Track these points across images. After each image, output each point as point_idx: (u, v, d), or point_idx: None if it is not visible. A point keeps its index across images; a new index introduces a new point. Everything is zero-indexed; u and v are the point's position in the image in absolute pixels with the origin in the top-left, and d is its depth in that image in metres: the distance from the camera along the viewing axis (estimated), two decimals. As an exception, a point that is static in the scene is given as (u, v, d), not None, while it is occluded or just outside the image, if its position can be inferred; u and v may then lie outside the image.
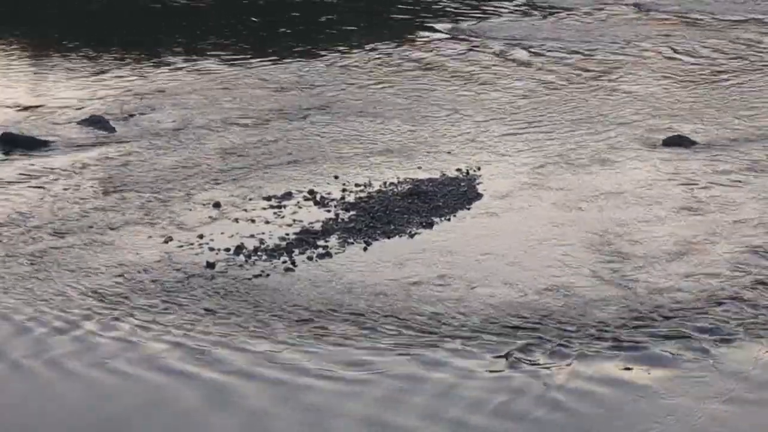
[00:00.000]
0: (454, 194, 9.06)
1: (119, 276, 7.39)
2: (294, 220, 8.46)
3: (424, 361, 6.27)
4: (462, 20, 17.78)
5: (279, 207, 8.78)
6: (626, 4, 19.15)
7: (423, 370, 6.17)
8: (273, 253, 7.78)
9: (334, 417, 5.76)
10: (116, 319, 6.78)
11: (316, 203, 8.86)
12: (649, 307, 6.91)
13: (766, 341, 6.53)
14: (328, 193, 9.06)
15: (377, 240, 8.07)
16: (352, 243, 8.00)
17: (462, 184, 9.35)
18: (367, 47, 15.49)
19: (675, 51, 15.28)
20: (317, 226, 8.29)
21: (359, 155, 10.26)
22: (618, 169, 9.89)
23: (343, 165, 9.92)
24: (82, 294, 7.12)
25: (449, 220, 8.58)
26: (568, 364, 6.21)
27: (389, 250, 7.89)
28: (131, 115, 11.66)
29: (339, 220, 8.46)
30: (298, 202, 8.88)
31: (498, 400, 5.87)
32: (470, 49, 15.41)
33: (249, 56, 14.88)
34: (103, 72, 14.00)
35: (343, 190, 9.14)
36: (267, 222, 8.44)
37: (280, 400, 5.91)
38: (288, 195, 9.04)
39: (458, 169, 9.76)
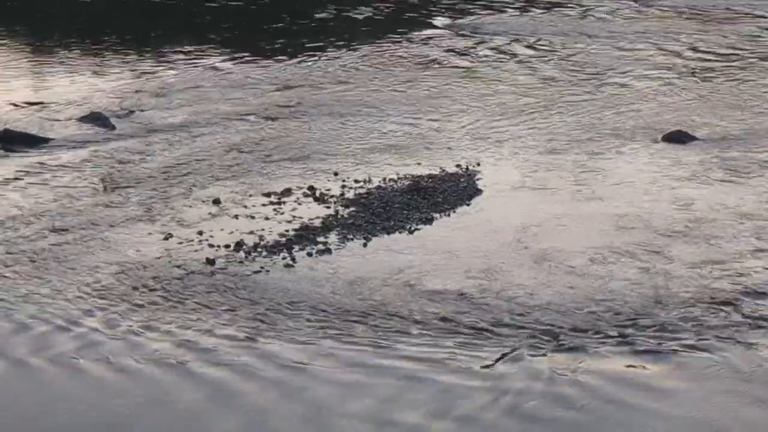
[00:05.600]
0: (454, 190, 9.06)
1: (119, 273, 7.40)
2: (294, 217, 8.46)
3: (425, 358, 6.27)
4: (461, 16, 17.77)
5: (279, 203, 8.78)
6: (626, -1, 19.13)
7: (423, 367, 6.17)
8: (273, 249, 7.78)
9: (336, 414, 5.76)
10: (117, 316, 6.78)
11: (316, 199, 8.86)
12: (651, 302, 6.91)
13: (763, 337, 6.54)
14: (328, 190, 9.06)
15: (377, 236, 8.08)
16: (352, 239, 8.01)
17: (461, 179, 9.35)
18: (367, 44, 15.48)
19: (675, 46, 15.28)
20: (317, 223, 8.30)
21: (359, 151, 10.26)
22: (618, 164, 9.89)
23: (342, 161, 9.92)
24: (83, 291, 7.13)
25: (449, 215, 8.58)
26: (570, 361, 6.22)
27: (389, 247, 7.89)
28: (131, 112, 11.66)
29: (339, 216, 8.46)
30: (298, 199, 8.89)
31: (499, 397, 5.87)
32: (470, 45, 15.41)
33: (248, 53, 14.88)
34: (102, 69, 14.00)
35: (343, 187, 9.14)
36: (267, 218, 8.45)
37: (282, 397, 5.91)
38: (288, 191, 9.05)
39: (458, 165, 9.76)
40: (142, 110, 11.75)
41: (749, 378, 6.07)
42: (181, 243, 7.92)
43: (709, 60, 14.40)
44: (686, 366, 6.18)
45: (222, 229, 8.19)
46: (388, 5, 18.94)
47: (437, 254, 7.73)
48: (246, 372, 6.14)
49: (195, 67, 14.02)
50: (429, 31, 16.54)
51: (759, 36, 16.02)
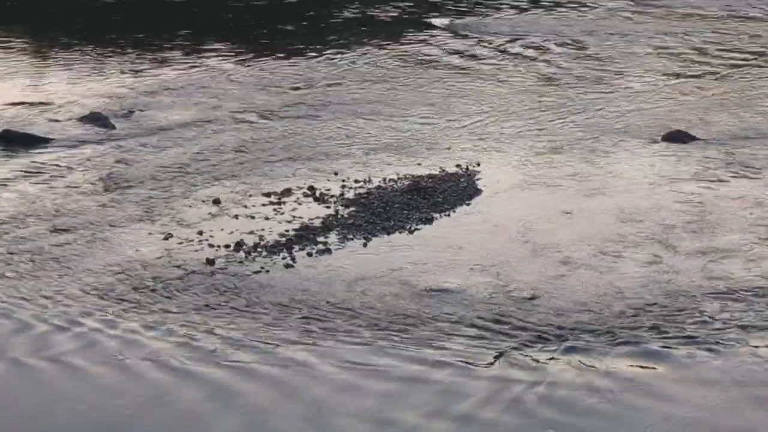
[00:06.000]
0: (454, 190, 9.06)
1: (119, 273, 7.40)
2: (294, 217, 8.46)
3: (425, 358, 6.27)
4: (461, 15, 17.77)
5: (279, 203, 8.79)
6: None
7: (424, 368, 6.17)
8: (273, 249, 7.79)
9: (335, 414, 5.76)
10: (116, 316, 6.78)
11: (316, 199, 8.87)
12: (649, 302, 6.91)
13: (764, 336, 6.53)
14: (328, 190, 9.07)
15: (377, 236, 8.08)
16: (352, 239, 8.01)
17: (461, 179, 9.35)
18: (366, 44, 15.49)
19: (675, 46, 15.28)
20: (317, 223, 8.30)
21: (359, 151, 10.26)
22: (618, 163, 9.89)
23: (342, 161, 9.92)
24: (83, 291, 7.13)
25: (449, 215, 8.59)
26: (568, 361, 6.22)
27: (389, 246, 7.90)
28: (131, 112, 11.66)
29: (339, 216, 8.46)
30: (298, 199, 8.89)
31: (498, 397, 5.87)
32: (469, 45, 15.41)
33: (249, 53, 14.88)
34: (102, 69, 14.00)
35: (343, 187, 9.14)
36: (267, 218, 8.45)
37: (282, 397, 5.91)
38: (288, 191, 9.05)
39: (458, 165, 9.76)
40: (142, 110, 11.75)
41: (753, 378, 6.07)
42: (181, 243, 7.93)
43: (708, 59, 14.39)
44: (689, 366, 6.17)
45: (222, 229, 8.19)
46: (387, 5, 18.94)
47: (437, 254, 7.73)
48: (246, 372, 6.14)
49: (195, 67, 14.02)
50: (429, 31, 16.53)
51: (759, 35, 16.01)
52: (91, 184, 9.31)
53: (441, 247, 7.87)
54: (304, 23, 17.52)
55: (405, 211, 8.54)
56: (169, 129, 11.04)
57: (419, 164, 9.82)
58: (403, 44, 15.50)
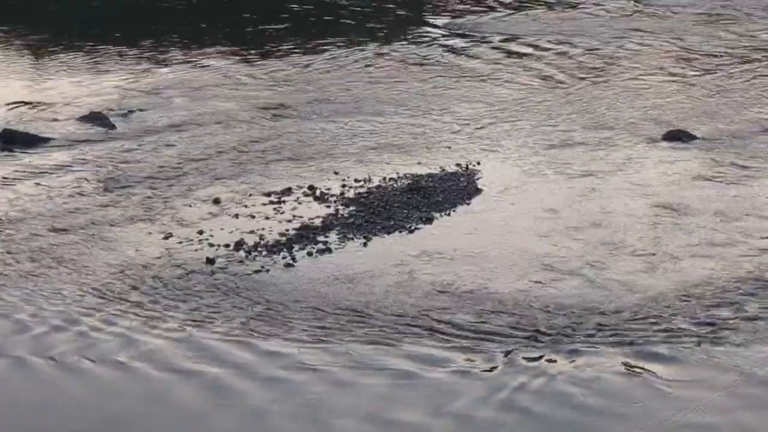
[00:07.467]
0: (454, 189, 9.06)
1: (119, 272, 7.40)
2: (294, 216, 8.47)
3: (424, 356, 6.27)
4: (460, 15, 17.77)
5: (279, 203, 8.79)
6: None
7: (423, 366, 6.17)
8: (273, 248, 7.79)
9: (334, 413, 5.76)
10: (117, 315, 6.78)
11: (316, 199, 8.87)
12: (647, 303, 6.91)
13: (764, 336, 6.53)
14: (328, 189, 9.07)
15: (377, 235, 8.08)
16: (352, 238, 8.01)
17: (461, 179, 9.35)
18: (366, 43, 15.49)
19: (675, 45, 15.27)
20: (317, 222, 8.30)
21: (359, 151, 10.26)
22: (618, 163, 9.88)
23: (342, 161, 9.92)
24: (83, 291, 7.13)
25: (449, 215, 8.58)
26: (569, 361, 6.22)
27: (389, 246, 7.90)
28: (131, 112, 11.66)
29: (339, 215, 8.46)
30: (298, 198, 8.89)
31: (496, 396, 5.87)
32: (469, 44, 15.40)
33: (248, 53, 14.88)
34: (102, 68, 14.00)
35: (343, 186, 9.14)
36: (267, 218, 8.45)
37: (282, 396, 5.92)
38: (288, 191, 9.05)
39: (458, 164, 9.76)
40: (142, 110, 11.75)
41: (752, 378, 6.07)
42: (181, 242, 7.93)
43: (709, 59, 14.39)
44: (688, 366, 6.18)
45: (222, 229, 8.19)
46: (386, 4, 18.94)
47: (436, 253, 7.72)
48: (246, 371, 6.14)
49: (195, 66, 14.02)
50: (428, 31, 16.52)
51: (759, 35, 16.00)
52: (91, 184, 9.30)
53: (439, 247, 7.87)
54: (301, 23, 17.52)
55: (405, 211, 8.54)
56: (168, 128, 11.04)
57: (419, 163, 9.82)
58: (402, 43, 15.49)
